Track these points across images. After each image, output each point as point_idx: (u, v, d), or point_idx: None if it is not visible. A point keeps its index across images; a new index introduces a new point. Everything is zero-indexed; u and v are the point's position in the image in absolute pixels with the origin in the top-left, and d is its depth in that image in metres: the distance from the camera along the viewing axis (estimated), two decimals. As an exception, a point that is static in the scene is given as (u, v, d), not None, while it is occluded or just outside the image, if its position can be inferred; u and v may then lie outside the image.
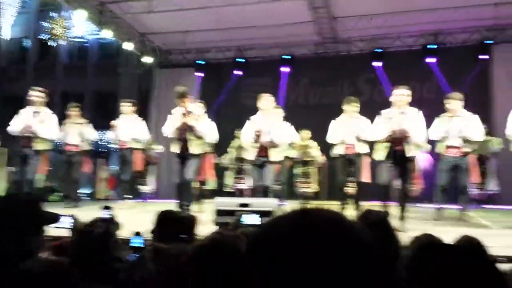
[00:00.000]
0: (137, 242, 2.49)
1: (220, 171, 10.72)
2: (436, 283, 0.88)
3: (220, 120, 12.09)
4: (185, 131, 6.38)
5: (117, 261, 2.22)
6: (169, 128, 6.55)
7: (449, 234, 2.53)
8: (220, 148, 10.91)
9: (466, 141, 6.36)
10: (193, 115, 6.44)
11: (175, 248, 2.21)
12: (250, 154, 6.49)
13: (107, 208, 2.79)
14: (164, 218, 2.62)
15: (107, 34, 10.82)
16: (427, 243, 2.12)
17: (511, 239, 4.61)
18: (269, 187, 6.26)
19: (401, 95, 5.78)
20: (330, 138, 7.12)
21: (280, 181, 7.75)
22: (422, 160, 9.18)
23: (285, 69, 12.35)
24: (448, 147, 6.45)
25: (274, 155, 6.37)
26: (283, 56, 12.25)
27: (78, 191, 8.55)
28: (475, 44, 11.21)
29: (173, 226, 2.49)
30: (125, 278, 2.06)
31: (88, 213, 4.01)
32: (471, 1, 9.60)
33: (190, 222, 2.58)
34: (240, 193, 10.34)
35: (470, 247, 2.12)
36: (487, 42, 11.01)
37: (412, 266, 1.90)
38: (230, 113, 12.35)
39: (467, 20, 10.42)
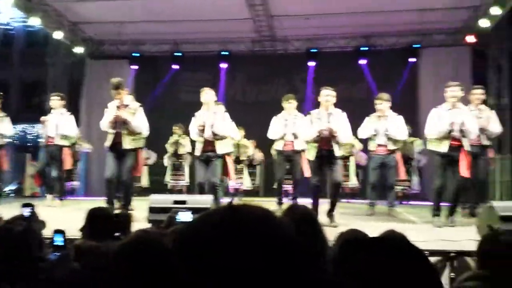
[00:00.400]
0: (58, 241, 2.36)
1: (160, 168, 10.60)
2: (358, 276, 0.90)
3: (157, 115, 11.90)
4: (118, 125, 6.16)
5: (39, 261, 2.10)
6: (104, 122, 6.30)
7: (378, 229, 2.62)
8: (157, 143, 10.74)
9: (391, 139, 6.73)
10: (129, 108, 6.24)
11: (105, 246, 2.13)
12: (198, 149, 6.40)
13: (27, 205, 2.61)
14: (94, 215, 2.51)
15: (35, 22, 10.24)
16: (351, 238, 2.20)
17: (434, 234, 4.88)
18: (215, 183, 6.17)
19: (328, 95, 5.93)
20: (270, 134, 7.17)
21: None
22: (359, 158, 9.56)
23: (223, 65, 12.30)
24: (378, 146, 6.80)
25: (220, 148, 6.29)
26: (222, 52, 12.20)
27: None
28: (403, 48, 11.77)
29: (104, 224, 2.39)
30: (45, 277, 1.96)
31: (11, 210, 3.77)
32: (398, 6, 10.07)
33: (124, 220, 2.49)
34: (178, 190, 10.26)
35: (394, 241, 2.20)
36: (415, 46, 11.59)
37: (337, 261, 1.96)
38: (167, 109, 12.16)
39: (396, 24, 10.92)
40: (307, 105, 9.97)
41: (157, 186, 10.49)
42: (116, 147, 6.21)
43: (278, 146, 7.07)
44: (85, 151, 10.59)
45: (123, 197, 6.26)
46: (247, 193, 10.63)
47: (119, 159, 6.20)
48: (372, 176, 6.97)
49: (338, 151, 5.89)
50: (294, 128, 6.92)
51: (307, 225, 1.91)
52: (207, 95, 6.37)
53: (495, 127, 6.76)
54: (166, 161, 10.27)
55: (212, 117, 6.31)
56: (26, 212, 2.72)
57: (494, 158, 7.95)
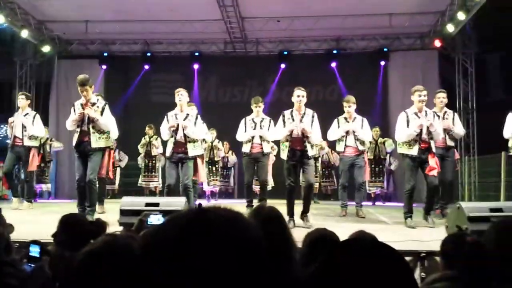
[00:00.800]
0: (34, 252, 2.28)
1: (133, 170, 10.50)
2: (328, 276, 0.90)
3: (128, 116, 11.75)
4: (84, 123, 5.98)
5: (7, 265, 2.02)
6: (69, 121, 6.11)
7: (350, 230, 2.65)
8: (129, 144, 10.61)
9: (359, 141, 6.93)
10: (96, 107, 6.04)
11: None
12: (168, 150, 6.32)
13: None
14: (67, 222, 2.42)
15: (0, 20, 9.93)
16: (318, 237, 2.21)
17: (404, 234, 4.97)
18: (187, 185, 6.11)
19: (300, 96, 5.98)
20: (238, 136, 7.20)
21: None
22: (335, 159, 9.68)
23: (195, 66, 12.23)
24: (346, 146, 6.93)
25: (192, 150, 6.23)
26: (196, 53, 12.13)
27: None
28: (373, 51, 11.97)
29: (78, 231, 2.31)
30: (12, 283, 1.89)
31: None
32: (369, 10, 10.25)
33: (100, 227, 2.42)
34: (150, 191, 10.15)
35: (365, 240, 2.23)
36: (385, 49, 11.79)
37: (304, 262, 1.97)
38: (138, 109, 12.01)
39: (366, 28, 11.09)
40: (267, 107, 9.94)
41: (130, 187, 10.37)
42: (82, 146, 6.02)
43: (245, 148, 7.08)
44: (56, 150, 10.34)
45: (88, 198, 6.03)
46: (221, 194, 10.63)
47: (86, 159, 6.02)
48: (343, 177, 7.09)
49: (311, 151, 5.94)
50: (262, 131, 6.94)
51: (274, 225, 1.91)
52: (182, 96, 6.30)
53: (460, 129, 7.02)
54: (140, 162, 10.14)
55: (184, 119, 6.25)
56: None
57: (458, 159, 8.16)
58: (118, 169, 10.56)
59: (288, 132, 5.90)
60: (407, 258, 3.89)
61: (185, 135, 6.15)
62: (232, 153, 10.46)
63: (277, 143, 7.16)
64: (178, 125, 6.15)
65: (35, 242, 2.33)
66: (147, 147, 9.93)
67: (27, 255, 2.27)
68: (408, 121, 5.90)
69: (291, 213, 5.85)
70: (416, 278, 3.37)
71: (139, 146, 10.03)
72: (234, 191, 11.11)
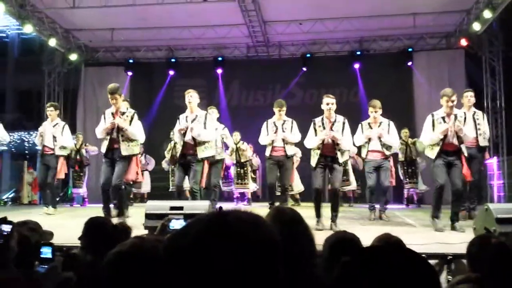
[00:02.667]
0: (46, 253, 2.31)
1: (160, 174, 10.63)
2: (345, 283, 0.90)
3: (154, 122, 11.90)
4: (114, 131, 6.11)
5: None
6: (100, 129, 6.27)
7: (376, 233, 2.63)
8: (154, 149, 10.74)
9: (385, 145, 6.80)
10: (125, 116, 6.17)
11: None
12: (177, 152, 6.37)
13: (6, 222, 2.45)
14: (92, 225, 2.47)
15: (28, 29, 10.22)
16: (337, 241, 2.20)
17: (431, 237, 4.89)
18: (193, 188, 6.10)
19: (329, 103, 5.98)
20: (261, 140, 7.17)
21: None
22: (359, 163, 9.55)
23: (219, 71, 12.32)
24: (370, 151, 6.83)
25: (201, 152, 6.19)
26: (219, 58, 12.22)
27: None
28: (397, 52, 11.83)
29: (102, 234, 2.35)
30: None
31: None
32: (392, 11, 10.14)
33: (123, 230, 2.45)
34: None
35: (387, 245, 2.21)
36: (409, 49, 11.64)
37: (326, 266, 1.96)
38: (164, 115, 12.14)
39: (389, 29, 10.98)
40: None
41: (157, 191, 10.49)
42: (111, 153, 6.17)
43: (267, 151, 7.04)
44: (93, 154, 10.54)
45: (116, 203, 6.16)
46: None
47: (114, 166, 6.14)
48: (370, 180, 6.96)
49: (341, 158, 5.95)
50: (284, 133, 6.89)
51: (292, 227, 1.90)
52: (192, 98, 6.34)
53: (487, 130, 6.87)
54: (165, 166, 10.26)
55: (194, 121, 6.25)
56: (6, 229, 2.61)
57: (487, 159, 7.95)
58: (147, 173, 10.70)
59: (320, 141, 5.93)
60: (434, 261, 3.83)
61: (193, 137, 6.16)
62: (255, 156, 10.47)
63: (299, 146, 7.16)
64: (187, 127, 6.17)
65: (46, 243, 2.37)
66: (173, 152, 10.03)
67: (39, 257, 2.31)
68: (434, 125, 5.80)
69: (318, 214, 5.88)
70: (442, 281, 3.32)
71: (166, 151, 10.14)
72: (260, 193, 11.10)
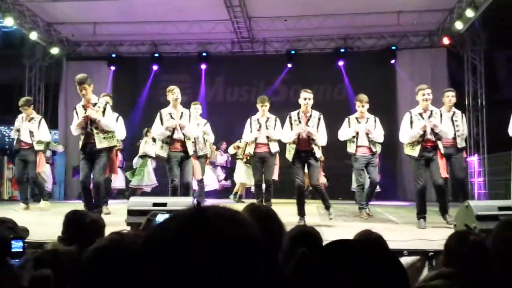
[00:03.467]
0: (17, 247, 2.30)
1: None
2: (298, 278, 0.90)
3: (138, 117, 11.81)
4: (88, 125, 5.98)
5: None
6: (73, 126, 6.11)
7: (356, 230, 2.65)
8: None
9: (372, 141, 6.79)
10: (97, 107, 6.01)
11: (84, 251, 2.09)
12: (165, 150, 6.33)
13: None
14: (68, 219, 2.45)
15: (9, 22, 10.03)
16: (297, 235, 2.20)
17: (412, 233, 4.94)
18: (190, 183, 6.14)
19: (308, 98, 5.99)
20: (244, 137, 7.17)
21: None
22: None
23: (203, 66, 12.26)
24: (359, 146, 6.79)
25: (189, 148, 6.26)
26: (203, 54, 12.15)
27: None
28: (381, 49, 11.91)
29: (79, 228, 2.34)
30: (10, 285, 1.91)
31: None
32: (376, 8, 10.20)
33: (96, 223, 2.44)
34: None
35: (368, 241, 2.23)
36: (392, 47, 11.73)
37: (285, 259, 1.97)
38: (147, 109, 12.05)
39: (373, 26, 11.04)
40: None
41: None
42: (88, 147, 6.03)
43: (250, 149, 7.03)
44: (59, 152, 10.41)
45: (95, 199, 6.04)
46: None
47: (92, 160, 6.02)
48: (361, 176, 6.89)
49: (318, 152, 5.94)
50: (268, 130, 6.88)
51: (269, 224, 1.91)
52: (179, 94, 6.32)
53: (465, 131, 6.93)
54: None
55: (180, 117, 6.25)
56: None
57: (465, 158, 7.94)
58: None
59: (295, 135, 5.93)
60: (415, 258, 3.88)
61: (183, 134, 6.16)
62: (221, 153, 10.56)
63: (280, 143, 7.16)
64: (176, 125, 6.14)
65: (16, 237, 2.35)
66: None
67: (9, 251, 2.29)
68: (411, 122, 5.85)
69: (301, 213, 5.87)
70: (423, 277, 3.36)
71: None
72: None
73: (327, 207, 5.91)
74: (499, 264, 1.63)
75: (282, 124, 6.91)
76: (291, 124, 6.07)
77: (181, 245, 0.78)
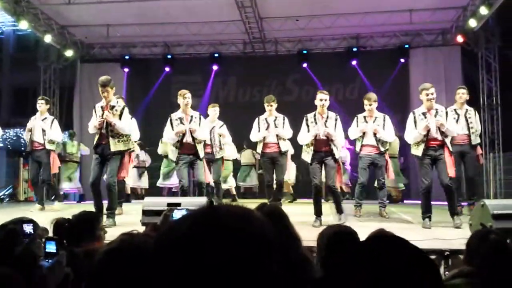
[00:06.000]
0: (50, 248, 2.33)
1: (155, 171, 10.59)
2: (343, 277, 0.90)
3: (149, 118, 11.88)
4: (103, 127, 6.02)
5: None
6: (91, 126, 6.20)
7: (371, 229, 2.63)
8: (150, 146, 10.71)
9: (380, 141, 6.68)
10: (115, 110, 6.06)
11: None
12: (173, 153, 6.45)
13: (29, 221, 2.49)
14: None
15: (24, 25, 10.17)
16: (332, 235, 2.20)
17: (428, 233, 4.91)
18: (203, 183, 6.21)
19: (324, 100, 5.99)
20: (252, 136, 7.13)
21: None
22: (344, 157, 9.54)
23: (215, 67, 12.29)
24: (365, 145, 6.73)
25: (200, 151, 6.37)
26: (215, 55, 12.19)
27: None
28: (394, 48, 11.83)
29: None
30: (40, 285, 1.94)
31: (4, 216, 3.74)
32: (388, 7, 10.13)
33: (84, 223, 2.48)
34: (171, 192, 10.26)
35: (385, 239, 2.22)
36: (405, 46, 11.65)
37: (323, 261, 1.97)
38: (159, 111, 12.11)
39: (386, 25, 10.98)
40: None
41: (153, 188, 10.48)
42: (99, 147, 6.07)
43: (259, 148, 7.01)
44: (84, 154, 10.49)
45: (108, 201, 6.08)
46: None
47: (104, 162, 6.06)
48: (362, 175, 6.79)
49: (337, 153, 5.97)
50: (277, 129, 6.84)
51: (274, 220, 1.92)
52: (190, 99, 6.46)
53: (479, 127, 6.86)
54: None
55: (191, 121, 6.38)
56: (28, 229, 2.62)
57: (481, 154, 7.79)
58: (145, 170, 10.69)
59: (312, 137, 5.96)
60: (431, 257, 3.85)
61: (193, 137, 6.28)
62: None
63: (293, 143, 7.16)
64: (186, 129, 6.29)
65: (50, 238, 2.39)
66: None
67: (44, 251, 2.33)
68: (415, 122, 5.80)
69: (318, 212, 5.88)
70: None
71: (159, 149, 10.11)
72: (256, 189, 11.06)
73: (339, 211, 5.89)
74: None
75: (290, 123, 6.93)
76: (307, 125, 6.08)
77: (194, 242, 0.78)
